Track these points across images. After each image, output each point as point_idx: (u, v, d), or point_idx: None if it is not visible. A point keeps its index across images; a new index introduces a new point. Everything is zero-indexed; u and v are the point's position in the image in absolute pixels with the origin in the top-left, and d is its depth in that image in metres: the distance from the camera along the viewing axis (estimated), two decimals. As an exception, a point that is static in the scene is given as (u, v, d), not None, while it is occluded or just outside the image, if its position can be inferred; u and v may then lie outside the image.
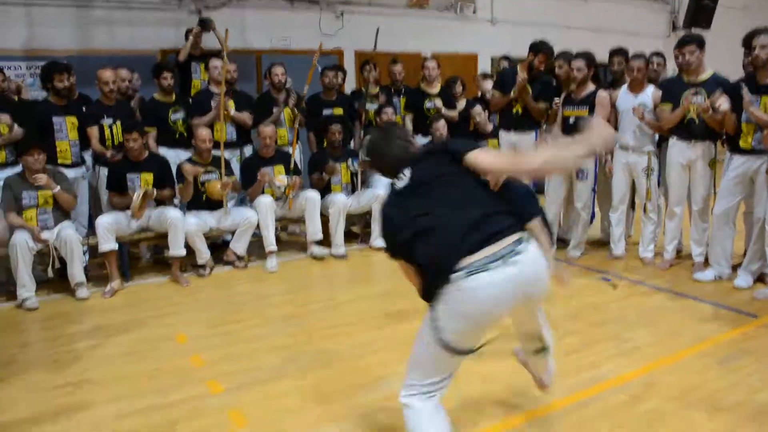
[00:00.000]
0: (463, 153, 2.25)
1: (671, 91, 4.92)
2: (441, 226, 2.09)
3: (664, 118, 4.95)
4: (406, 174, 2.28)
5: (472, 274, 1.98)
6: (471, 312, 2.03)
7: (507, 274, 2.00)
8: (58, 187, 4.75)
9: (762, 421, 2.86)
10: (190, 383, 3.33)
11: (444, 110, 6.55)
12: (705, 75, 4.78)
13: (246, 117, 6.02)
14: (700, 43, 4.75)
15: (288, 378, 3.36)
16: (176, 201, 5.50)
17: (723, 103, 4.45)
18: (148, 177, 5.15)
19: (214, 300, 4.76)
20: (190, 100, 6.04)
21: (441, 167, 2.26)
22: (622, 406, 3.00)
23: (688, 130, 4.84)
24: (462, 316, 2.04)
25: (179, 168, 5.27)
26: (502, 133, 5.95)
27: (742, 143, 4.54)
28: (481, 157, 2.23)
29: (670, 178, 5.08)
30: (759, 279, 4.72)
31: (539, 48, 5.66)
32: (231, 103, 5.90)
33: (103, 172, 5.36)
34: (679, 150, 4.94)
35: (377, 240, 5.98)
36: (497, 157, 2.30)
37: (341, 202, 5.79)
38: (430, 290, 2.07)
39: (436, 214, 2.13)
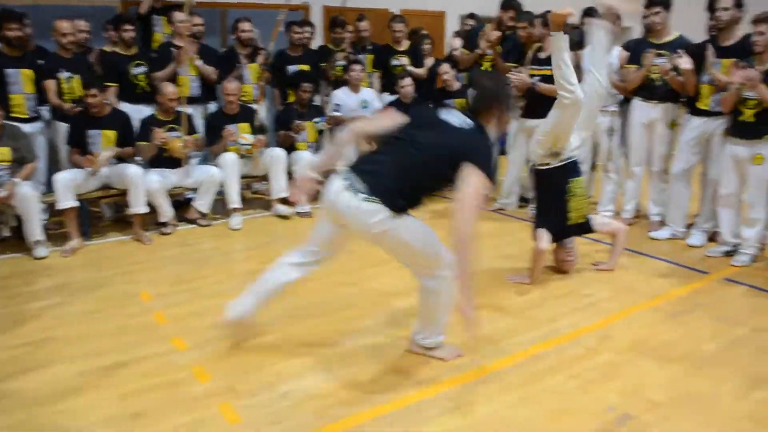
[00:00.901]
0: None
1: (637, 52, 4.95)
2: None
3: (628, 79, 5.00)
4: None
5: None
6: None
7: None
8: (19, 180, 4.59)
9: (708, 369, 3.00)
10: (155, 340, 3.33)
11: (411, 68, 6.51)
12: (670, 37, 4.83)
13: (211, 71, 5.90)
14: (666, 5, 4.78)
15: (252, 334, 3.38)
16: (136, 158, 5.40)
17: (684, 63, 4.51)
18: (111, 134, 5.02)
19: (178, 257, 4.73)
20: (152, 54, 5.89)
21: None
22: (578, 358, 3.11)
23: (650, 90, 4.91)
24: None
25: (145, 126, 5.15)
26: (471, 92, 5.95)
27: (700, 105, 4.63)
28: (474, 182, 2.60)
29: (632, 139, 5.16)
30: (711, 238, 4.87)
31: (509, 5, 5.66)
32: (197, 56, 5.78)
33: (62, 127, 5.21)
34: (641, 110, 5.01)
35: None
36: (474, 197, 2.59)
37: (307, 160, 5.75)
38: None
39: None
